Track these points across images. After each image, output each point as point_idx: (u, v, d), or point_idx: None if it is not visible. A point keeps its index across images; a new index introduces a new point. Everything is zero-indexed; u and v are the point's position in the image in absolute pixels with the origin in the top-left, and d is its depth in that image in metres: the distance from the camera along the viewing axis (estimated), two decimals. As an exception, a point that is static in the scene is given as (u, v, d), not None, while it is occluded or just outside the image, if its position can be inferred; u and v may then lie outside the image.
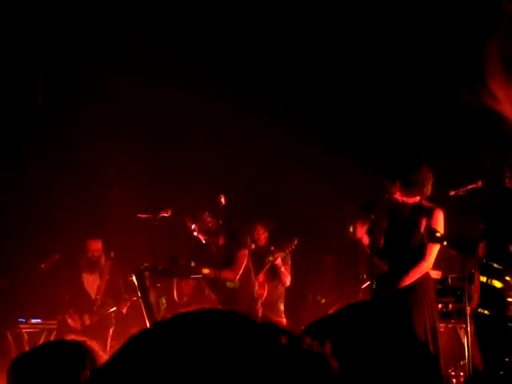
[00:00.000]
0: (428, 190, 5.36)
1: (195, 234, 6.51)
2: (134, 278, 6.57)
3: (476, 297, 4.99)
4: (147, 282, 6.44)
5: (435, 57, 7.83)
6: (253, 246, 6.95)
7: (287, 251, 7.43)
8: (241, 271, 6.47)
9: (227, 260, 6.41)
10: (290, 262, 7.52)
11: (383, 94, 8.14)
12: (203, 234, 6.50)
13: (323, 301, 7.84)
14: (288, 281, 7.45)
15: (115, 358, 1.05)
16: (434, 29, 7.61)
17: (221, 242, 6.35)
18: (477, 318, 4.98)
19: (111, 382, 1.02)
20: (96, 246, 7.92)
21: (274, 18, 8.30)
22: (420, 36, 7.71)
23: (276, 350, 1.01)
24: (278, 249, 7.34)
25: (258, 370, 0.97)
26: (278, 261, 7.32)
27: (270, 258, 7.16)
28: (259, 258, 6.93)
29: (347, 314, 1.45)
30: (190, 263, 6.52)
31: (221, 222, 6.32)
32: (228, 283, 6.41)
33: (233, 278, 6.42)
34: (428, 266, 5.26)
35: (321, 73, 8.36)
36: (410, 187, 5.29)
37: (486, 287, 4.94)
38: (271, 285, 7.33)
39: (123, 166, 8.39)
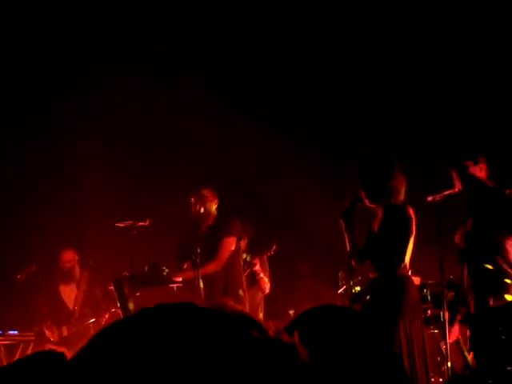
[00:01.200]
0: (402, 196, 5.45)
1: (197, 210, 6.47)
2: (113, 287, 6.60)
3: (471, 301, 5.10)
4: (126, 291, 6.47)
5: (414, 61, 7.96)
6: (242, 244, 6.90)
7: (265, 257, 7.48)
8: (224, 259, 6.41)
9: (211, 252, 6.43)
10: (267, 268, 7.55)
11: (365, 95, 8.24)
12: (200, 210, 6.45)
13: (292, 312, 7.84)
14: (267, 288, 7.48)
15: (79, 356, 1.08)
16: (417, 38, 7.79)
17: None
18: (473, 321, 5.09)
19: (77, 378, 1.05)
20: (68, 256, 7.96)
21: (269, 19, 8.41)
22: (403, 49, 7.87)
23: (247, 342, 1.03)
24: (256, 254, 7.35)
25: (228, 363, 0.99)
26: (257, 267, 7.35)
27: (248, 258, 7.11)
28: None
29: (317, 313, 1.52)
30: (167, 271, 6.56)
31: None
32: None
33: (216, 268, 6.37)
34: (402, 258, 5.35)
35: (308, 74, 8.48)
36: (384, 194, 5.37)
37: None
38: (250, 292, 7.26)
39: (102, 172, 8.41)
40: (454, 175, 5.16)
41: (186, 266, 6.61)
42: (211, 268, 6.48)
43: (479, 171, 5.24)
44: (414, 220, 5.31)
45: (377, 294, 5.23)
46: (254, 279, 7.37)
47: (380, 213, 5.43)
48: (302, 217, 7.79)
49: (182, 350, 1.01)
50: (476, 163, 5.22)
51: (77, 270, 7.93)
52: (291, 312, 7.76)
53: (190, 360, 1.01)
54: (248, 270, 7.24)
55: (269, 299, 7.52)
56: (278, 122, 8.33)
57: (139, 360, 1.01)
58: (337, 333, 1.45)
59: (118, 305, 6.63)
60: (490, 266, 5.09)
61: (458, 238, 5.37)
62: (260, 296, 7.47)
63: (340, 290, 6.86)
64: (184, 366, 1.00)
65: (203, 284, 6.34)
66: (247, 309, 6.69)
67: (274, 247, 7.35)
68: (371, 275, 5.44)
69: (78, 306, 7.86)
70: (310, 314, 1.52)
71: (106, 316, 7.68)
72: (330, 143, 8.29)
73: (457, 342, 5.81)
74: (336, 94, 8.36)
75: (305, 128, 8.42)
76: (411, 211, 5.32)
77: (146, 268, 6.66)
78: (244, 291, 6.64)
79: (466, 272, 5.21)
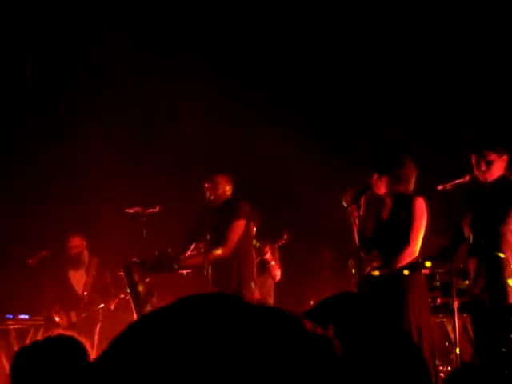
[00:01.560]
0: (412, 184, 5.48)
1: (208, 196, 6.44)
2: (123, 273, 6.63)
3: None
4: (136, 277, 6.51)
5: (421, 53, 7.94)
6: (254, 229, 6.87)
7: (276, 245, 7.48)
8: (234, 243, 6.37)
9: (220, 237, 6.40)
10: (278, 256, 7.55)
11: (372, 82, 8.22)
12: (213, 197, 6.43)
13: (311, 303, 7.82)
14: (278, 275, 7.46)
15: (107, 354, 1.03)
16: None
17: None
18: (475, 305, 5.17)
19: (106, 377, 1.01)
20: (75, 242, 7.97)
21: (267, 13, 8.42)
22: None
23: (283, 334, 1.01)
24: (267, 242, 7.34)
25: (263, 357, 0.97)
26: (268, 255, 7.34)
27: (257, 245, 7.09)
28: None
29: (339, 303, 1.51)
30: (179, 257, 6.57)
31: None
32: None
33: (224, 254, 6.33)
34: (414, 251, 5.36)
35: (307, 62, 8.48)
36: (395, 182, 5.39)
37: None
38: (260, 280, 7.22)
39: (114, 158, 8.39)
40: (474, 161, 5.19)
41: (191, 251, 6.65)
42: (220, 253, 6.44)
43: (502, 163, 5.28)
44: (424, 211, 5.35)
45: (383, 285, 5.23)
46: (264, 267, 7.36)
47: (389, 202, 5.46)
48: (320, 204, 7.69)
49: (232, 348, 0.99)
50: (501, 154, 5.25)
51: (85, 256, 7.95)
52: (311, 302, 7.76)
53: (249, 358, 0.99)
54: (258, 258, 7.22)
55: (283, 288, 7.51)
56: (290, 110, 8.33)
57: (176, 358, 0.98)
58: (360, 322, 1.47)
59: (128, 290, 6.65)
60: (501, 255, 5.12)
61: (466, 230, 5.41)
62: (270, 283, 7.46)
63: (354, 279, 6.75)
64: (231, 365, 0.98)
65: (212, 271, 6.33)
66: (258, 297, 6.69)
67: (286, 236, 7.34)
68: (375, 264, 5.46)
69: (88, 292, 7.90)
70: (330, 303, 1.53)
71: (116, 302, 7.70)
72: (340, 132, 8.33)
73: (465, 330, 5.85)
74: (342, 81, 8.42)
75: (318, 115, 8.41)
76: (422, 202, 5.36)
77: (156, 254, 6.64)
78: (255, 282, 6.63)
79: (473, 262, 5.26)
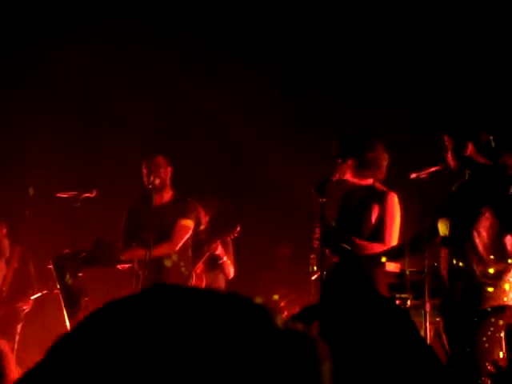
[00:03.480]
0: (383, 172, 5.44)
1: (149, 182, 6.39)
2: (52, 266, 6.50)
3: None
4: (67, 271, 6.37)
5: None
6: (201, 226, 6.85)
7: (228, 239, 7.31)
8: (179, 243, 6.35)
9: (165, 233, 6.32)
10: (232, 251, 7.42)
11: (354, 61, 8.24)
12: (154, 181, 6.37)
13: (276, 297, 7.73)
14: (231, 272, 7.34)
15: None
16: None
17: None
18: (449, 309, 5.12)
19: None
20: None
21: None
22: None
23: (268, 332, 0.96)
24: (218, 235, 7.16)
25: (243, 356, 0.93)
26: (219, 250, 7.20)
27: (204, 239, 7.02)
28: (196, 246, 6.78)
29: (331, 301, 1.54)
30: (118, 248, 6.46)
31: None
32: (165, 261, 6.28)
33: (170, 251, 6.29)
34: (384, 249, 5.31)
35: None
36: (363, 167, 5.34)
37: None
38: (210, 275, 7.15)
39: (43, 135, 8.29)
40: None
41: (134, 244, 6.51)
42: (164, 250, 6.36)
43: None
44: (398, 208, 5.33)
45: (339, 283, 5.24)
46: (215, 263, 7.23)
47: (359, 194, 5.40)
48: (281, 186, 7.69)
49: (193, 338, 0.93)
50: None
51: (5, 245, 7.62)
52: (275, 296, 7.68)
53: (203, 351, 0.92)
54: (207, 254, 7.08)
55: (235, 286, 7.40)
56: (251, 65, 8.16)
57: (143, 351, 0.91)
58: (356, 322, 1.42)
59: (58, 286, 6.50)
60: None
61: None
62: (222, 280, 7.34)
63: (314, 277, 6.49)
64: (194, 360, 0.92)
65: (149, 269, 6.24)
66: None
67: (238, 229, 7.15)
68: (334, 260, 5.42)
69: (7, 287, 7.60)
70: (321, 303, 1.60)
71: (39, 298, 7.49)
72: (311, 103, 8.26)
73: (437, 332, 5.77)
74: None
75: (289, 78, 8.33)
76: (396, 198, 5.34)
77: (92, 245, 6.57)
78: (195, 275, 6.64)
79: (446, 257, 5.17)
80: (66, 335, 0.96)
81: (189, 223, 6.46)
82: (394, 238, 5.37)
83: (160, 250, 6.31)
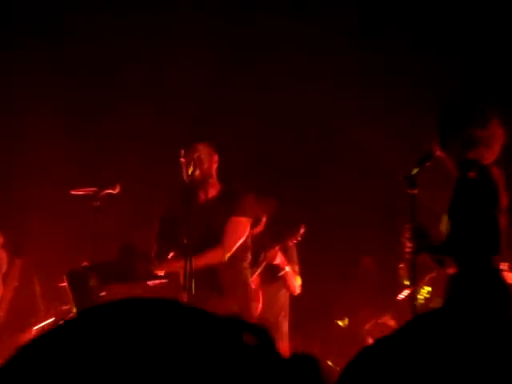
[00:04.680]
0: (494, 152, 4.88)
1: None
2: (67, 284, 5.89)
3: None
4: (87, 291, 5.80)
5: None
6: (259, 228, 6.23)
7: (291, 244, 6.54)
8: (233, 247, 5.67)
9: (213, 236, 5.72)
10: (296, 259, 6.63)
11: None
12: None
13: (346, 321, 7.12)
14: (297, 286, 6.56)
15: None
16: None
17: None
18: None
19: None
20: None
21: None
22: None
23: (236, 350, 0.99)
24: (277, 240, 6.44)
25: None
26: (278, 259, 6.42)
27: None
28: (253, 252, 6.10)
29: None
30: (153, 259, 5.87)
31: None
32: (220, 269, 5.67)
33: (221, 258, 5.66)
34: None
35: None
36: (469, 147, 4.82)
37: None
38: (269, 290, 6.40)
39: (52, 121, 7.72)
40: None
41: (172, 253, 5.95)
42: (213, 257, 5.67)
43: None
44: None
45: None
46: (275, 275, 6.53)
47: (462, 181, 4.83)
48: (362, 173, 7.22)
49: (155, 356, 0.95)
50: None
51: (2, 258, 6.92)
52: (340, 323, 7.09)
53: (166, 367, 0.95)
54: (263, 263, 6.38)
55: (303, 303, 6.77)
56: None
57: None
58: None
59: (74, 310, 5.95)
60: None
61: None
62: (284, 297, 6.59)
63: (402, 295, 6.24)
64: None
65: (196, 281, 5.56)
66: (257, 312, 6.11)
67: (302, 230, 6.43)
68: (450, 271, 4.81)
69: (3, 312, 6.95)
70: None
71: (47, 325, 6.83)
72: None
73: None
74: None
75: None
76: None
77: (116, 256, 6.05)
78: (251, 290, 5.93)
79: None
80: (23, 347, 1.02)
81: (244, 221, 5.81)
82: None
83: (207, 258, 5.64)
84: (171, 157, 6.11)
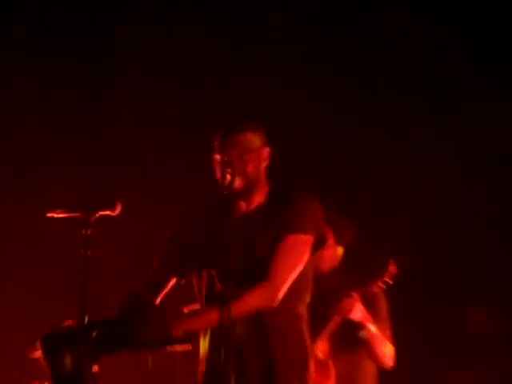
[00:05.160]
0: None
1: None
2: (39, 353, 4.32)
3: None
4: (73, 363, 4.19)
5: None
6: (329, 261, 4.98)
7: (377, 290, 4.97)
8: (285, 281, 4.10)
9: (257, 267, 4.17)
10: (386, 314, 5.03)
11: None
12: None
13: None
14: (387, 354, 4.99)
15: None
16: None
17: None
18: None
19: None
20: None
21: None
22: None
23: None
24: (356, 284, 4.93)
25: None
26: (359, 313, 4.86)
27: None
28: (320, 301, 4.61)
29: None
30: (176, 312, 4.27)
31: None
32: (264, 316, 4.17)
33: (269, 301, 4.12)
34: None
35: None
36: None
37: None
38: (346, 362, 4.89)
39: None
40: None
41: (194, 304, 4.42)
42: (256, 301, 4.07)
43: None
44: None
45: None
46: (352, 338, 4.99)
47: None
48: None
49: None
50: None
51: None
52: None
53: None
54: (338, 319, 4.90)
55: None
56: None
57: None
58: None
59: None
60: None
61: None
62: (370, 371, 5.05)
63: None
64: None
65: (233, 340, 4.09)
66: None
67: (393, 269, 4.90)
68: None
69: None
70: None
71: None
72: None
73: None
74: None
75: None
76: None
77: (117, 311, 4.34)
78: (316, 362, 4.32)
79: None
80: None
81: (303, 240, 4.19)
82: None
83: (246, 304, 4.07)
84: (196, 156, 4.75)
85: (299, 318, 4.13)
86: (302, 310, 4.15)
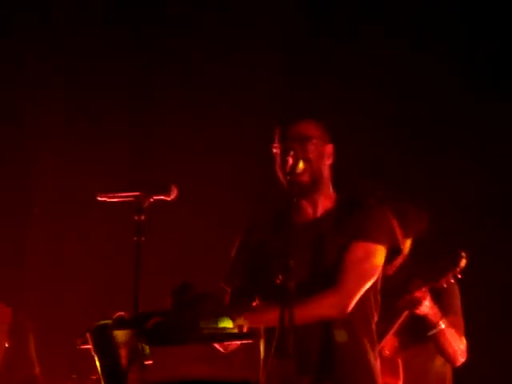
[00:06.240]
0: None
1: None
2: (90, 344, 4.20)
3: None
4: (125, 354, 4.12)
5: None
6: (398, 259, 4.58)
7: (448, 283, 4.76)
8: (360, 292, 4.11)
9: (325, 273, 4.21)
10: (459, 309, 4.88)
11: None
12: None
13: None
14: (459, 351, 4.83)
15: None
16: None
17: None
18: None
19: None
20: None
21: None
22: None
23: None
24: (425, 278, 4.75)
25: None
26: (428, 308, 4.70)
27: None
28: (386, 296, 4.37)
29: None
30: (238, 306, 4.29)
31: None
32: (335, 332, 4.21)
33: (338, 310, 4.13)
34: None
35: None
36: None
37: None
38: (415, 361, 4.77)
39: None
40: None
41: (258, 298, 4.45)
42: (325, 308, 4.05)
43: None
44: None
45: None
46: (422, 334, 4.83)
47: None
48: None
49: None
50: None
51: None
52: None
53: None
54: (404, 315, 4.76)
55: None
56: None
57: None
58: None
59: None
60: None
61: None
62: (442, 370, 4.89)
63: None
64: None
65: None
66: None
67: (464, 261, 4.70)
68: None
69: None
70: None
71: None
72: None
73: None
74: None
75: None
76: None
77: (170, 302, 4.27)
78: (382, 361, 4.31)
79: None
80: None
81: (377, 251, 4.12)
82: None
83: (315, 310, 4.05)
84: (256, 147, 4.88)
85: (371, 324, 4.10)
86: (372, 322, 4.13)
